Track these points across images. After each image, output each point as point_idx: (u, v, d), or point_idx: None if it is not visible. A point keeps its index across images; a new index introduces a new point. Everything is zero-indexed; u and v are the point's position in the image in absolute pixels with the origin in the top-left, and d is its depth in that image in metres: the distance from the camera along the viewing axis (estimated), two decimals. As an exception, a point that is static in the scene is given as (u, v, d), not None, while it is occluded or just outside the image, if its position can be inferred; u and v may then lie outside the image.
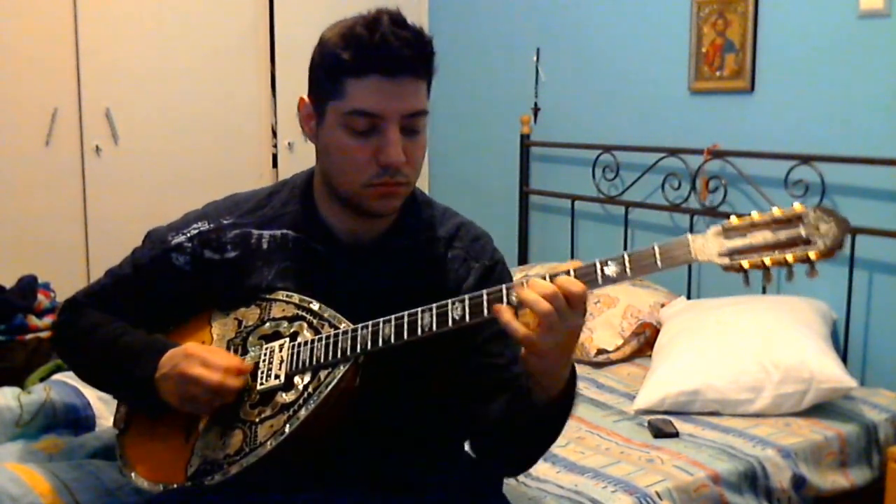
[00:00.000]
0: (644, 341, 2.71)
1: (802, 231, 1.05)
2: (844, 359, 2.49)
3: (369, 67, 1.21)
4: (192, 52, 3.50)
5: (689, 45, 2.96)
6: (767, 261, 1.06)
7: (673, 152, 2.97)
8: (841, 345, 2.53)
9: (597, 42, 3.32)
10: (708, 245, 1.09)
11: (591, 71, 3.36)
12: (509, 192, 3.65)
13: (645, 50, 3.14)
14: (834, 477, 2.09)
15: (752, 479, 1.94)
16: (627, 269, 1.11)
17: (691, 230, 2.92)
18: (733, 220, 1.09)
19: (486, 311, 1.16)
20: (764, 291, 2.61)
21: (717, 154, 2.83)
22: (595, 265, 1.13)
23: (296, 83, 3.79)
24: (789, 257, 1.05)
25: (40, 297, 2.63)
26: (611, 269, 1.12)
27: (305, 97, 1.33)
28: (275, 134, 3.75)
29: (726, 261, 1.07)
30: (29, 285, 2.62)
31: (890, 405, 2.29)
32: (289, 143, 3.75)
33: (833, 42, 2.58)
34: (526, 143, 3.53)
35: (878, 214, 2.45)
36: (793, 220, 1.06)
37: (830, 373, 2.18)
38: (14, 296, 2.56)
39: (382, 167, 1.24)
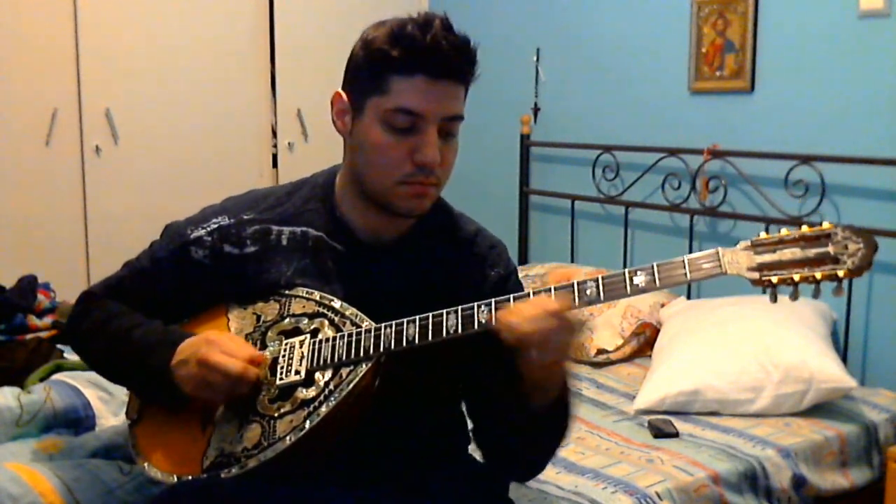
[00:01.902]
0: (644, 341, 2.71)
1: (831, 249, 1.07)
2: (844, 359, 2.49)
3: (418, 67, 1.23)
4: (192, 53, 3.50)
5: (689, 45, 2.96)
6: (796, 277, 1.08)
7: (673, 152, 2.97)
8: (841, 345, 2.53)
9: (597, 42, 3.32)
10: (737, 259, 1.11)
11: (591, 71, 3.35)
12: (509, 192, 3.64)
13: (645, 50, 3.14)
14: (834, 477, 2.09)
15: (752, 479, 1.94)
16: (657, 280, 1.13)
17: (691, 230, 2.92)
18: (762, 235, 1.11)
19: None
20: (764, 292, 2.61)
21: (717, 154, 2.83)
22: (623, 275, 1.14)
23: (296, 83, 3.81)
24: (818, 275, 1.08)
25: (40, 297, 2.62)
26: (640, 280, 1.14)
27: (341, 91, 1.32)
28: (275, 134, 3.75)
29: (756, 275, 1.10)
30: (29, 285, 2.61)
31: (890, 405, 2.29)
32: (289, 143, 3.75)
33: (833, 42, 2.58)
34: (526, 143, 3.54)
35: (878, 214, 2.45)
36: (821, 238, 1.08)
37: (830, 373, 2.18)
38: (14, 296, 2.56)
39: (417, 166, 1.25)
